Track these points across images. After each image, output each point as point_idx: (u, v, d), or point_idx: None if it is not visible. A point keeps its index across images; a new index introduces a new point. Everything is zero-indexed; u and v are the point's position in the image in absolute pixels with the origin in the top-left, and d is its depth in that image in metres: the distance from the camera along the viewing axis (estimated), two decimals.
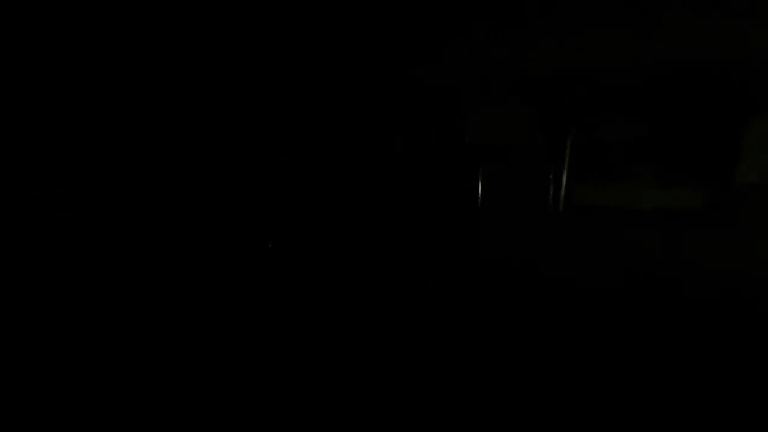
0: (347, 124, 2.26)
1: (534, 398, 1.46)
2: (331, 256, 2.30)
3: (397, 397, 1.40)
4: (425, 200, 2.26)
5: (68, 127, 1.91)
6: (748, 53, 1.81)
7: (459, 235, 2.24)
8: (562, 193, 2.19)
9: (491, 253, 2.25)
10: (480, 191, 2.22)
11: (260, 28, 1.78)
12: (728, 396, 1.44)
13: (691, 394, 1.47)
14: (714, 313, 1.84)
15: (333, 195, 2.30)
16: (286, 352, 1.65)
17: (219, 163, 2.21)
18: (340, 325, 1.87)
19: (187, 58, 1.98)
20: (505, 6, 1.82)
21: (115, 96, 2.01)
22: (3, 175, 1.76)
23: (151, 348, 1.64)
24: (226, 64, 2.04)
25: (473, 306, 2.04)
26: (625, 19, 1.71)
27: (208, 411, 1.31)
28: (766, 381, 1.43)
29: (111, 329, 1.75)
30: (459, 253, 2.26)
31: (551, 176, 2.19)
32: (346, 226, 2.30)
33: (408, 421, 1.32)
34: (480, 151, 2.22)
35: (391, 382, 1.47)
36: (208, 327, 1.81)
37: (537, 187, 2.22)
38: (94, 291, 1.91)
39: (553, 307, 1.99)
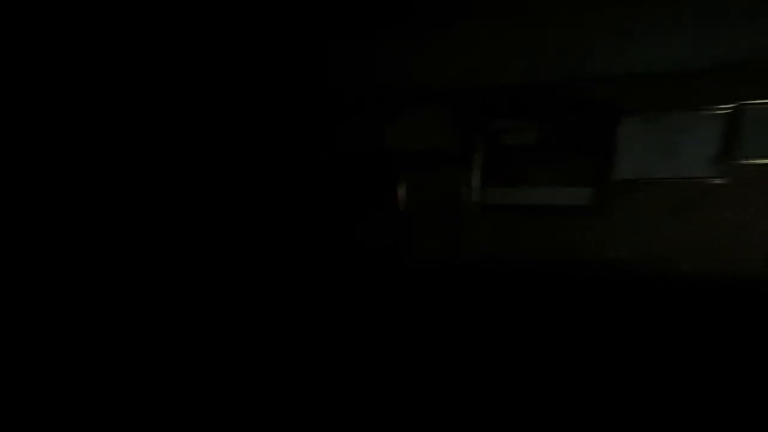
0: (268, 132, 2.40)
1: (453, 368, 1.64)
2: (252, 262, 2.41)
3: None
4: (348, 206, 2.44)
5: None
6: (619, 68, 2.13)
7: (381, 236, 2.43)
8: (475, 194, 2.44)
9: (416, 250, 2.45)
10: (401, 195, 2.43)
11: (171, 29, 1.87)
12: (614, 364, 1.69)
13: (581, 362, 1.71)
14: (598, 290, 2.11)
15: (252, 202, 2.41)
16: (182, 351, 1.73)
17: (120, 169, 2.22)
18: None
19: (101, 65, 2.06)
20: (420, 25, 2.05)
21: None
22: None
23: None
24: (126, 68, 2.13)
25: (397, 300, 2.22)
26: (516, 43, 1.99)
27: None
28: (634, 339, 1.69)
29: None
30: (381, 251, 2.45)
31: (464, 179, 2.43)
32: (266, 232, 2.42)
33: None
34: (399, 159, 2.43)
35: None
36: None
37: (452, 189, 2.45)
38: None
39: (472, 294, 2.22)
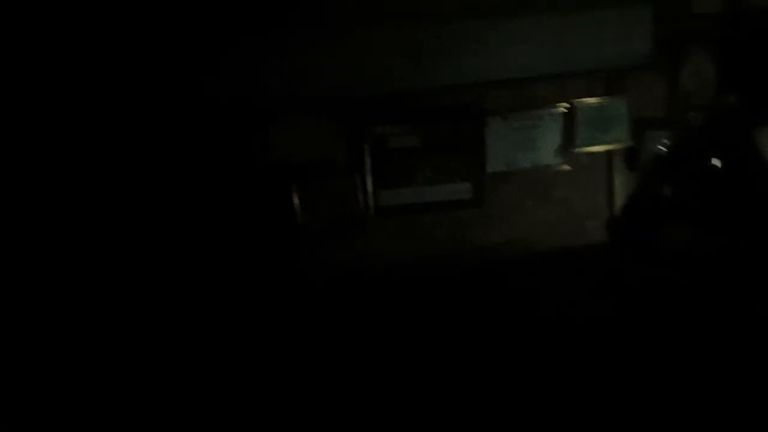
0: (143, 145, 2.08)
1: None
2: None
3: None
4: (239, 220, 2.26)
5: None
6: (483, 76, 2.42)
7: (277, 249, 2.31)
8: (368, 198, 2.48)
9: (312, 258, 2.39)
10: (294, 205, 2.33)
11: None
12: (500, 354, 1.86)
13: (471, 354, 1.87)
14: (483, 279, 2.36)
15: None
16: None
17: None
18: None
19: None
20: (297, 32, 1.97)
21: None
22: None
23: None
24: None
25: (298, 312, 2.14)
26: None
27: None
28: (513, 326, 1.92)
29: None
30: (280, 263, 2.32)
31: (357, 184, 2.45)
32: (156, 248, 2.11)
33: None
34: (289, 169, 2.34)
35: None
36: None
37: (346, 195, 2.45)
38: None
39: (370, 292, 2.27)
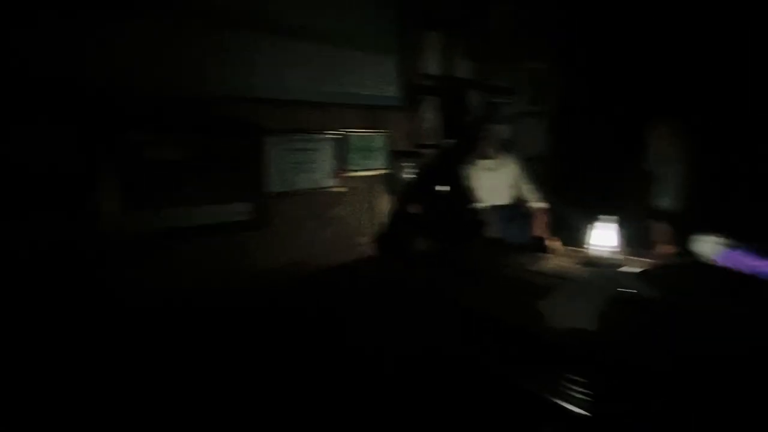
0: None
1: None
2: None
3: None
4: None
5: None
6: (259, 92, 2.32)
7: None
8: (117, 220, 1.96)
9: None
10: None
11: None
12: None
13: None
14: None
15: None
16: None
17: None
18: None
19: None
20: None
21: None
22: None
23: None
24: None
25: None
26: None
27: None
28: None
29: None
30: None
31: (101, 203, 1.90)
32: None
33: None
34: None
35: None
36: None
37: (85, 217, 1.86)
38: None
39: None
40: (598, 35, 4.16)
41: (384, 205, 3.07)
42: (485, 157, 3.15)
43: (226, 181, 2.31)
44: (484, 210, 2.98)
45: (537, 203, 3.10)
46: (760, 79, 3.03)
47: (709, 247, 2.22)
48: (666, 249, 2.60)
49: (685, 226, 2.53)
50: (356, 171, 2.84)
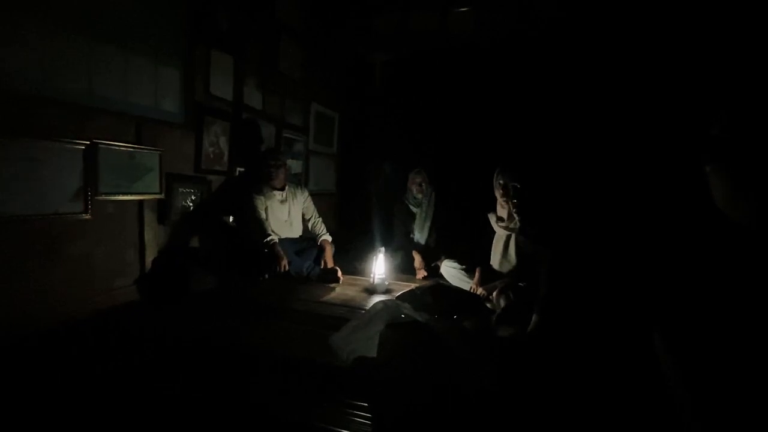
0: None
1: None
2: None
3: None
4: None
5: None
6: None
7: None
8: None
9: None
10: None
11: None
12: None
13: None
14: None
15: None
16: None
17: None
18: None
19: None
20: None
21: None
22: None
23: None
24: None
25: None
26: None
27: None
28: None
29: None
30: None
31: None
32: None
33: None
34: None
35: None
36: None
37: None
38: None
39: None
40: (367, 89, 4.86)
41: (153, 237, 2.53)
42: (275, 188, 3.08)
43: None
44: (274, 242, 2.86)
45: (324, 235, 3.22)
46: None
47: (448, 270, 2.92)
48: (421, 273, 3.20)
49: (435, 255, 3.31)
50: (113, 195, 2.25)
